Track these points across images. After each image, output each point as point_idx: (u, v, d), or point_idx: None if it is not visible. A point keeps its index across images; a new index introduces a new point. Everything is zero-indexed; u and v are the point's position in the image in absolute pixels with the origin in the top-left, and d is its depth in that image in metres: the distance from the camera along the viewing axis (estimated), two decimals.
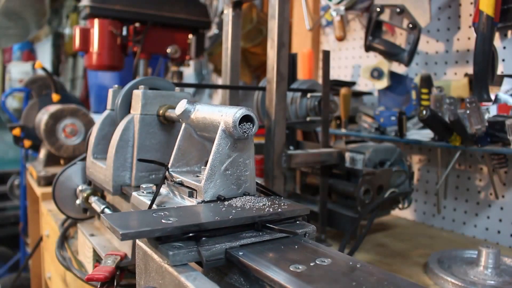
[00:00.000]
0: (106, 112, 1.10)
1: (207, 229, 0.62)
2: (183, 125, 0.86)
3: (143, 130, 0.97)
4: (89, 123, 1.95)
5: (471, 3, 1.42)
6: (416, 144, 1.51)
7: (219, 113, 0.75)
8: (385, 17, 1.49)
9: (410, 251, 1.23)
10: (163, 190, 0.84)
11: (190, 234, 0.60)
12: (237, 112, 0.72)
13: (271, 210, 0.68)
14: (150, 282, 0.63)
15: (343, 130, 1.64)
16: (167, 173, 0.83)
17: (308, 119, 1.31)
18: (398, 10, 1.44)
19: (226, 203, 0.72)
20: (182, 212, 0.65)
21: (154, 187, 0.83)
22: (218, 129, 0.73)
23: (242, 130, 0.72)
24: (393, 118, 1.47)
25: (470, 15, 1.43)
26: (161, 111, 0.97)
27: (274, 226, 0.66)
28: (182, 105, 0.84)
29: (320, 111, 1.27)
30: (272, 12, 1.07)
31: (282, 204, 0.72)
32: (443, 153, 1.41)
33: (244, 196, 0.74)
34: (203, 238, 0.61)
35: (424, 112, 1.19)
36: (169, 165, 0.84)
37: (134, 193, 0.83)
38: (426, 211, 1.56)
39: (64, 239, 1.28)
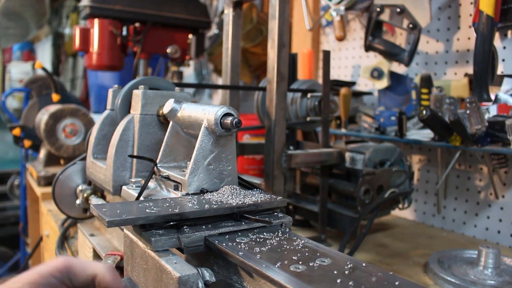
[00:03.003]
0: (106, 112, 1.10)
1: (188, 218, 0.66)
2: (171, 123, 0.90)
3: (143, 130, 0.97)
4: (89, 123, 1.95)
5: (471, 3, 1.42)
6: (416, 144, 1.51)
7: (202, 111, 0.79)
8: (385, 17, 1.49)
9: (410, 251, 1.23)
10: (151, 184, 0.88)
11: (172, 223, 0.64)
12: (219, 110, 0.76)
13: (249, 201, 0.72)
14: (135, 267, 0.66)
15: (343, 130, 1.64)
16: (155, 168, 0.87)
17: (308, 119, 1.31)
18: (398, 10, 1.44)
19: (208, 195, 0.76)
20: (166, 203, 0.70)
21: (143, 181, 0.87)
22: (202, 127, 0.78)
23: (223, 127, 0.76)
24: (393, 118, 1.47)
25: (470, 15, 1.43)
26: (161, 111, 0.97)
27: (251, 216, 0.69)
28: (169, 104, 0.89)
29: (320, 111, 1.27)
30: (272, 12, 1.07)
31: (260, 196, 0.76)
32: (443, 153, 1.41)
33: (223, 189, 0.79)
34: (184, 227, 0.65)
35: (424, 112, 1.19)
36: (157, 161, 0.88)
37: (124, 187, 0.89)
38: (426, 211, 1.56)
39: (64, 239, 1.28)
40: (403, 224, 1.53)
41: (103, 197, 1.12)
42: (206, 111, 0.78)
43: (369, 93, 1.77)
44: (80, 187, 1.15)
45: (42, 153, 2.06)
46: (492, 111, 1.23)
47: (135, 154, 0.96)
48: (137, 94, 0.98)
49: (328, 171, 1.26)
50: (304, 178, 1.40)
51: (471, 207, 1.42)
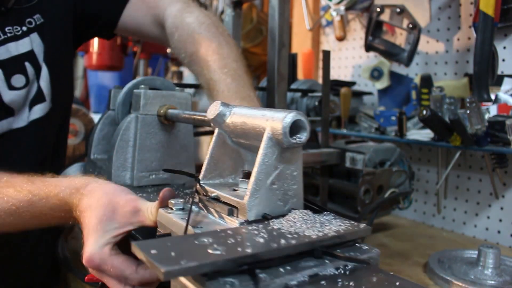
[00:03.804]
0: (106, 112, 1.10)
1: (263, 260, 0.52)
2: (216, 131, 0.75)
3: (143, 130, 0.97)
4: (89, 123, 1.95)
5: (471, 3, 1.42)
6: (416, 144, 1.51)
7: (263, 117, 0.65)
8: (385, 17, 1.49)
9: (410, 251, 1.23)
10: (195, 206, 0.73)
11: (244, 267, 0.51)
12: (287, 116, 0.62)
13: (331, 232, 0.58)
14: None
15: (343, 130, 1.64)
16: (198, 186, 0.72)
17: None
18: (398, 10, 1.44)
19: (275, 223, 0.61)
20: (228, 237, 0.55)
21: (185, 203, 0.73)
22: (264, 137, 0.63)
23: (293, 137, 0.62)
24: (393, 118, 1.47)
25: (470, 15, 1.43)
26: (161, 111, 0.98)
27: (339, 254, 0.56)
28: (215, 108, 0.73)
29: (320, 111, 1.27)
30: (272, 12, 1.07)
31: (340, 224, 0.61)
32: (443, 153, 1.41)
33: (292, 214, 0.64)
34: (257, 270, 0.51)
35: (424, 112, 1.19)
36: (200, 177, 0.73)
37: (162, 210, 0.72)
38: (426, 211, 1.56)
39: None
40: (403, 224, 1.53)
41: None
42: (269, 117, 0.64)
43: (369, 93, 1.77)
44: None
45: None
46: (492, 111, 1.23)
47: (136, 154, 0.96)
48: (137, 94, 0.98)
49: (328, 171, 1.26)
50: (304, 178, 1.40)
51: (471, 207, 1.42)
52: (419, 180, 1.58)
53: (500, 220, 1.34)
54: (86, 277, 0.83)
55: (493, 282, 0.97)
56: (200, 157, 2.76)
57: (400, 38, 1.65)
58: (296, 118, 0.62)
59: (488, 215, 1.37)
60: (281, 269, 0.52)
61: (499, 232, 1.34)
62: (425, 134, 1.40)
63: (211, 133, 1.38)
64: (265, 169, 0.63)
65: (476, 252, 1.03)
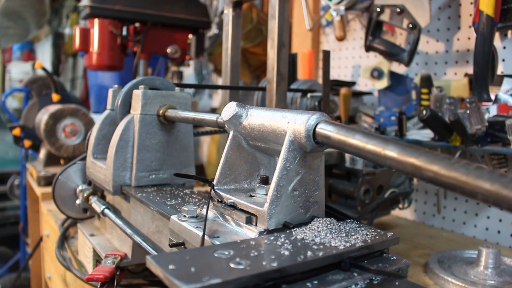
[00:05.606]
0: (106, 112, 1.10)
1: (290, 274, 0.48)
2: (231, 133, 0.72)
3: (143, 130, 0.97)
4: (89, 123, 1.95)
5: (471, 3, 1.42)
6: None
7: (283, 119, 0.62)
8: (385, 17, 1.49)
9: (410, 251, 1.23)
10: (209, 213, 0.70)
11: (269, 283, 0.47)
12: (310, 118, 0.58)
13: (358, 242, 0.54)
14: None
15: None
16: (212, 191, 0.69)
17: None
18: (398, 10, 1.44)
19: (298, 233, 0.57)
20: (250, 249, 0.51)
21: (199, 210, 0.69)
22: (285, 140, 0.60)
23: (316, 140, 0.58)
24: (393, 118, 1.47)
25: (470, 15, 1.43)
26: (161, 111, 0.98)
27: (368, 266, 0.53)
28: (231, 109, 0.70)
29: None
30: (272, 12, 1.07)
31: (366, 232, 0.58)
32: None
33: (315, 223, 0.60)
34: (284, 286, 0.48)
35: (424, 112, 1.19)
36: (215, 182, 0.70)
37: (174, 218, 0.68)
38: (426, 211, 1.56)
39: (64, 239, 1.28)
40: (403, 224, 1.53)
41: (103, 197, 1.12)
42: (290, 119, 0.61)
43: (369, 93, 1.77)
44: (80, 187, 1.15)
45: (42, 153, 2.06)
46: (492, 111, 1.23)
47: (135, 154, 0.96)
48: (137, 94, 0.98)
49: (328, 171, 1.26)
50: None
51: (471, 207, 1.42)
52: (419, 180, 1.58)
53: (500, 220, 1.34)
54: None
55: (493, 282, 0.97)
56: (200, 157, 2.76)
57: (400, 38, 1.65)
58: (321, 119, 0.58)
59: (488, 215, 1.37)
60: (309, 284, 0.49)
61: (499, 232, 1.34)
62: (425, 134, 1.39)
63: (211, 133, 1.38)
64: (286, 175, 0.60)
65: (476, 252, 1.03)
